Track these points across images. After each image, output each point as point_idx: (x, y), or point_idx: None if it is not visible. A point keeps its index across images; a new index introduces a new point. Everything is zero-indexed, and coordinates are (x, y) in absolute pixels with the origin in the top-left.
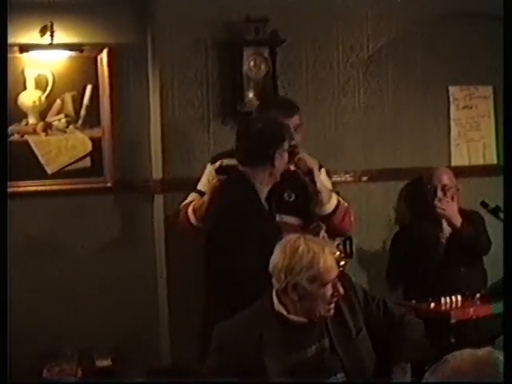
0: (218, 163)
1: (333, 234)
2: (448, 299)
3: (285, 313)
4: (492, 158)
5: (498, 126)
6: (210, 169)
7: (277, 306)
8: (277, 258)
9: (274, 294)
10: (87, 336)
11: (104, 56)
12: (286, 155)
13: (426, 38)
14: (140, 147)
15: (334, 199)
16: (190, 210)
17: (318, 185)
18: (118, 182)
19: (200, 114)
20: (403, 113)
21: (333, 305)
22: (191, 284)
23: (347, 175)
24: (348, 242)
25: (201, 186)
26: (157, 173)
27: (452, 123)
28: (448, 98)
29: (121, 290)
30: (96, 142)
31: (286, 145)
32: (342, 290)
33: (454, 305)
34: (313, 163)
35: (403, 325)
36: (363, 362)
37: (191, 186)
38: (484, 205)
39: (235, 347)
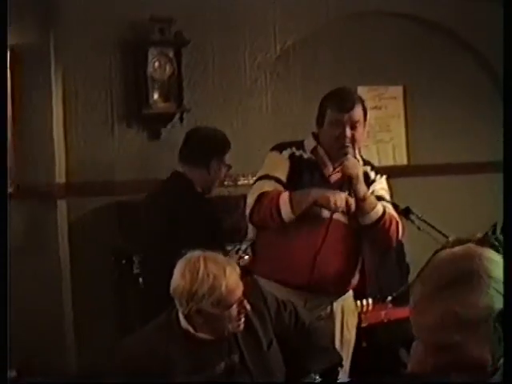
0: (288, 151)
1: (377, 245)
2: (359, 303)
3: (192, 331)
4: (402, 158)
5: (408, 127)
6: (277, 155)
7: (183, 323)
8: (176, 282)
9: (179, 311)
10: None
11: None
12: (223, 169)
13: (334, 39)
14: (43, 151)
15: (379, 209)
16: (283, 201)
17: (360, 193)
18: (21, 188)
19: (104, 116)
20: (311, 114)
21: (242, 321)
22: (96, 289)
23: (255, 178)
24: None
25: (275, 173)
26: (60, 177)
27: None
28: None
29: (25, 296)
30: None
31: (225, 159)
32: (248, 307)
33: (364, 308)
34: (352, 170)
35: (311, 332)
36: (273, 376)
37: (96, 189)
38: (394, 206)
39: (139, 366)
